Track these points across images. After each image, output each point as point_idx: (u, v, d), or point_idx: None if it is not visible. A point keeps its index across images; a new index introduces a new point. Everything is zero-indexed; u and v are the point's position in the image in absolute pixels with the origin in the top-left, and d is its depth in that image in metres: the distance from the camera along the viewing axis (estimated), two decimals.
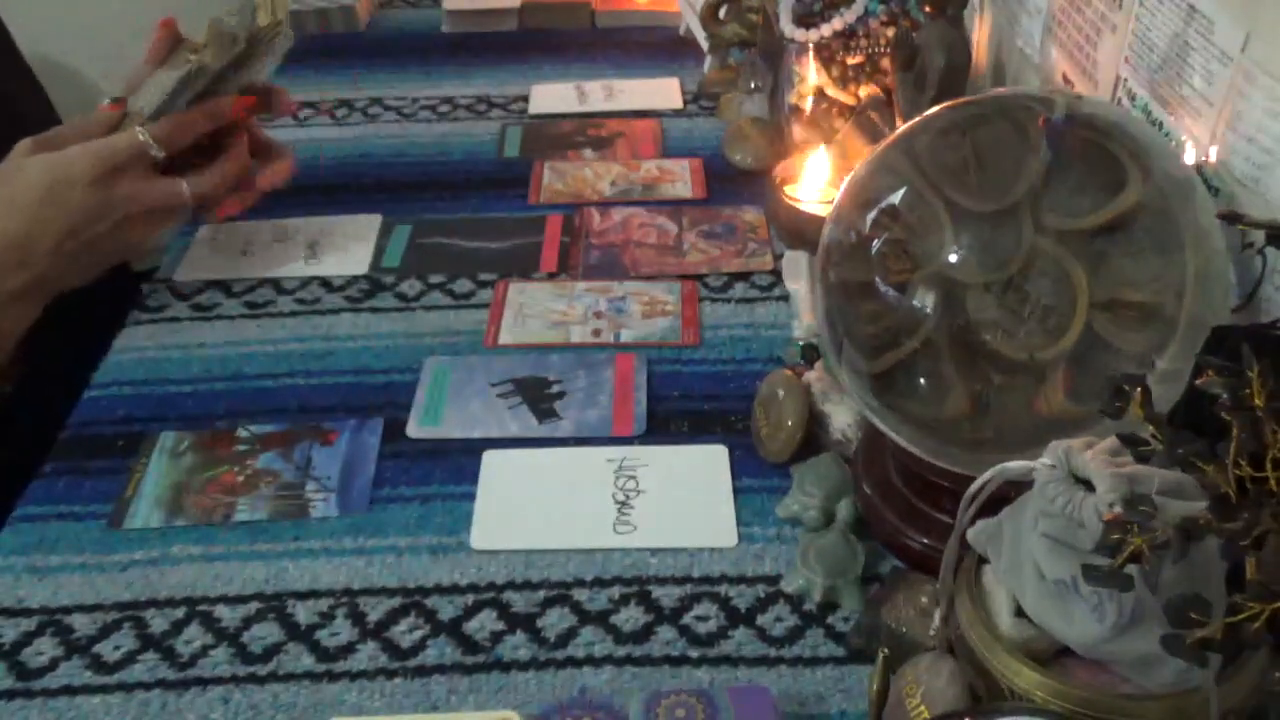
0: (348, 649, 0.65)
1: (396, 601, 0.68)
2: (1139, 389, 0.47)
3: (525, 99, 1.26)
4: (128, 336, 0.91)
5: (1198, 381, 0.46)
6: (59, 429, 0.81)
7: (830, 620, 0.66)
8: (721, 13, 1.22)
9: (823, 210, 0.93)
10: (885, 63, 0.99)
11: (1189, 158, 0.68)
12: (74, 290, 0.87)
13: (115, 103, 0.89)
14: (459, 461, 0.77)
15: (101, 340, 0.90)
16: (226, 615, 0.67)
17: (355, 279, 0.97)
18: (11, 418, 0.87)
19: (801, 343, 0.84)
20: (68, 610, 0.68)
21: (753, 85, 1.17)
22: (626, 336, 0.89)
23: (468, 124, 1.22)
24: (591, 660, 0.64)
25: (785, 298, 0.92)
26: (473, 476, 0.76)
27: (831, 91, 1.01)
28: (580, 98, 1.26)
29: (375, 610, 0.67)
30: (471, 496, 0.75)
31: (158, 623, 0.67)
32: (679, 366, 0.86)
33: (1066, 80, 0.88)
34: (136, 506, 0.75)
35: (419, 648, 0.65)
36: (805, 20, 0.99)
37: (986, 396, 0.62)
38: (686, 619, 0.66)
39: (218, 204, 0.92)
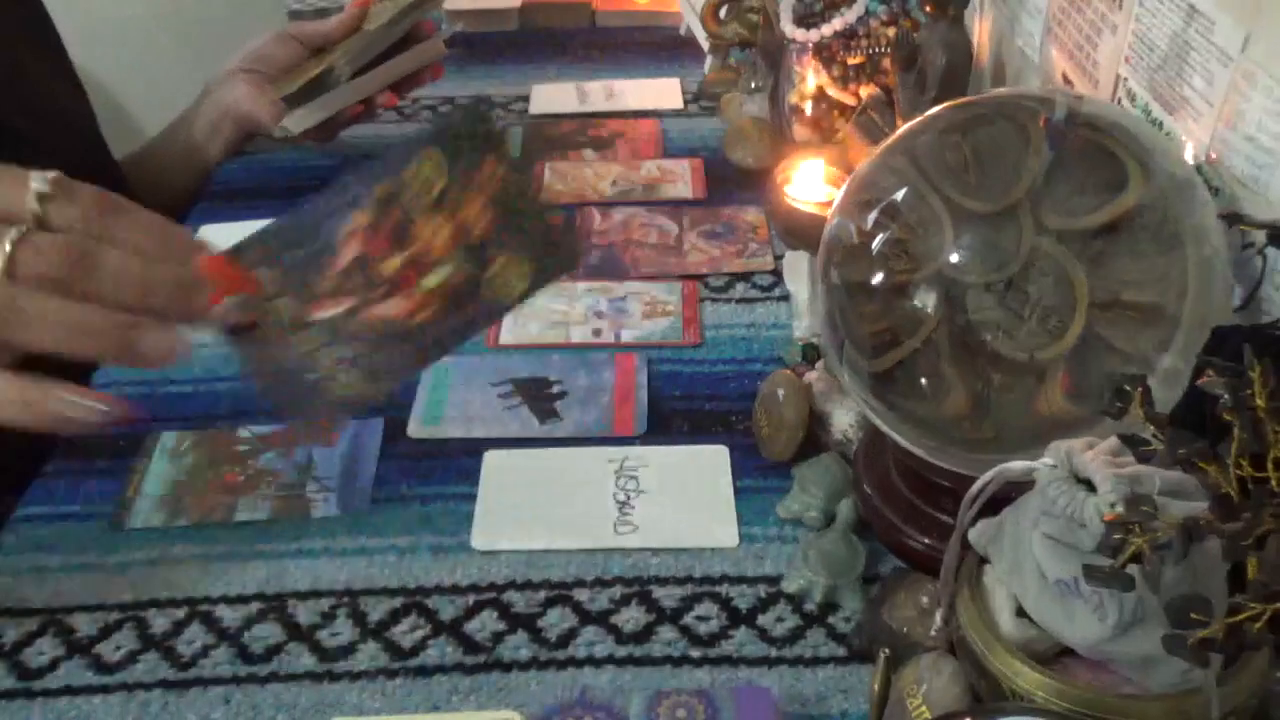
0: (348, 649, 0.65)
1: (397, 601, 0.68)
2: (1140, 389, 0.48)
3: (525, 99, 1.26)
4: None
5: (1198, 381, 0.46)
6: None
7: (831, 620, 0.66)
8: (722, 13, 1.22)
9: (823, 210, 0.93)
10: (885, 63, 0.99)
11: (1189, 158, 0.68)
12: None
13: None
14: (459, 461, 0.77)
15: None
16: (227, 615, 0.67)
17: None
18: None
19: (802, 343, 0.84)
20: (69, 610, 0.68)
21: (753, 85, 1.17)
22: (627, 336, 0.89)
23: None
24: (592, 660, 0.64)
25: (786, 298, 0.92)
26: (473, 476, 0.76)
27: (831, 91, 1.01)
28: (580, 98, 1.26)
29: (376, 610, 0.67)
30: (472, 496, 0.75)
31: (159, 623, 0.67)
32: (679, 366, 0.86)
33: (1066, 80, 0.88)
34: (138, 506, 0.74)
35: (420, 648, 0.65)
36: (805, 20, 0.99)
37: (987, 396, 0.62)
38: (687, 619, 0.66)
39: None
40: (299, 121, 1.02)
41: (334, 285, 0.58)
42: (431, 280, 0.56)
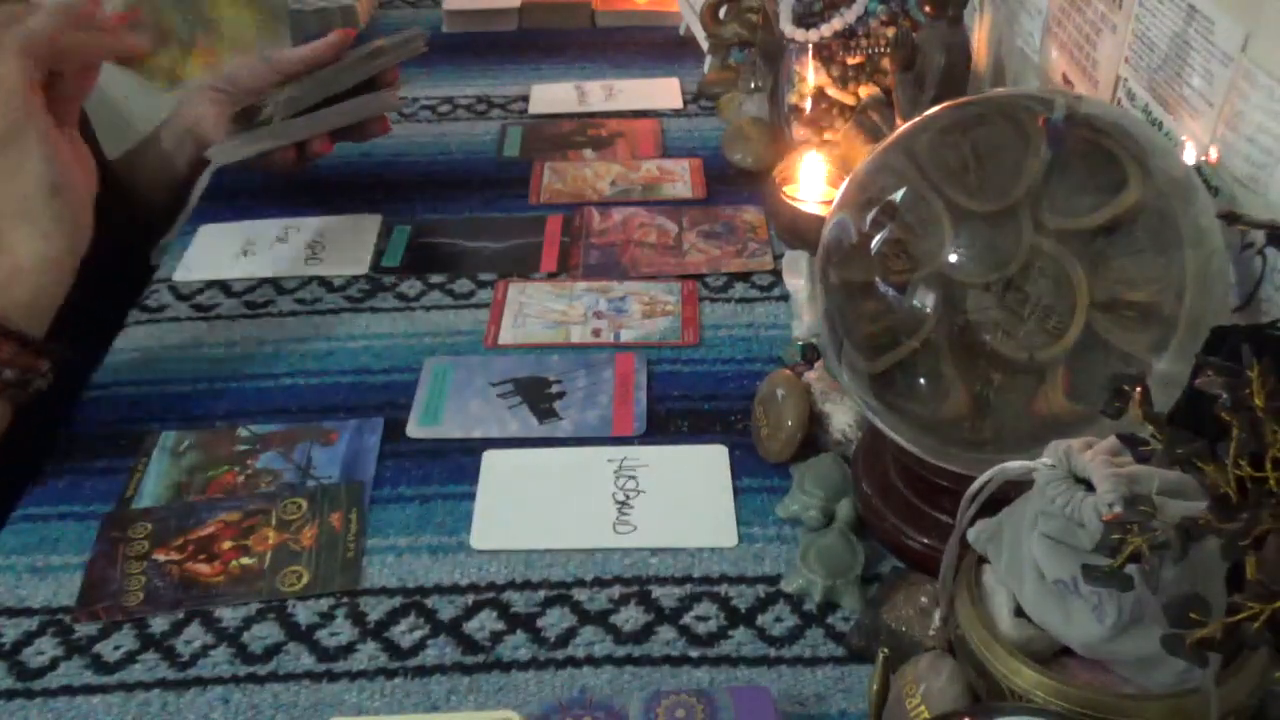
0: (348, 649, 0.65)
1: (396, 601, 0.68)
2: (1139, 389, 0.48)
3: (525, 99, 1.26)
4: (128, 336, 0.91)
5: (1198, 381, 0.46)
6: (59, 429, 0.81)
7: (830, 620, 0.66)
8: (721, 13, 1.22)
9: (823, 210, 0.93)
10: (885, 63, 0.99)
11: (1189, 158, 0.68)
12: (75, 288, 0.87)
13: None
14: (459, 461, 0.77)
15: (101, 340, 0.90)
16: (227, 615, 0.67)
17: (355, 279, 0.97)
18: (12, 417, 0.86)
19: (801, 343, 0.84)
20: (69, 610, 0.68)
21: (753, 85, 1.18)
22: (626, 336, 0.89)
23: (467, 124, 1.22)
24: (591, 660, 0.64)
25: (785, 298, 0.92)
26: (473, 476, 0.76)
27: (831, 91, 1.01)
28: (580, 98, 1.26)
29: (375, 610, 0.67)
30: (471, 496, 0.75)
31: (158, 622, 0.67)
32: (679, 366, 0.86)
33: (1066, 80, 0.88)
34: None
35: (419, 648, 0.65)
36: (805, 20, 0.99)
37: (986, 396, 0.62)
38: (686, 619, 0.66)
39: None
40: (219, 155, 0.97)
41: None
42: None
